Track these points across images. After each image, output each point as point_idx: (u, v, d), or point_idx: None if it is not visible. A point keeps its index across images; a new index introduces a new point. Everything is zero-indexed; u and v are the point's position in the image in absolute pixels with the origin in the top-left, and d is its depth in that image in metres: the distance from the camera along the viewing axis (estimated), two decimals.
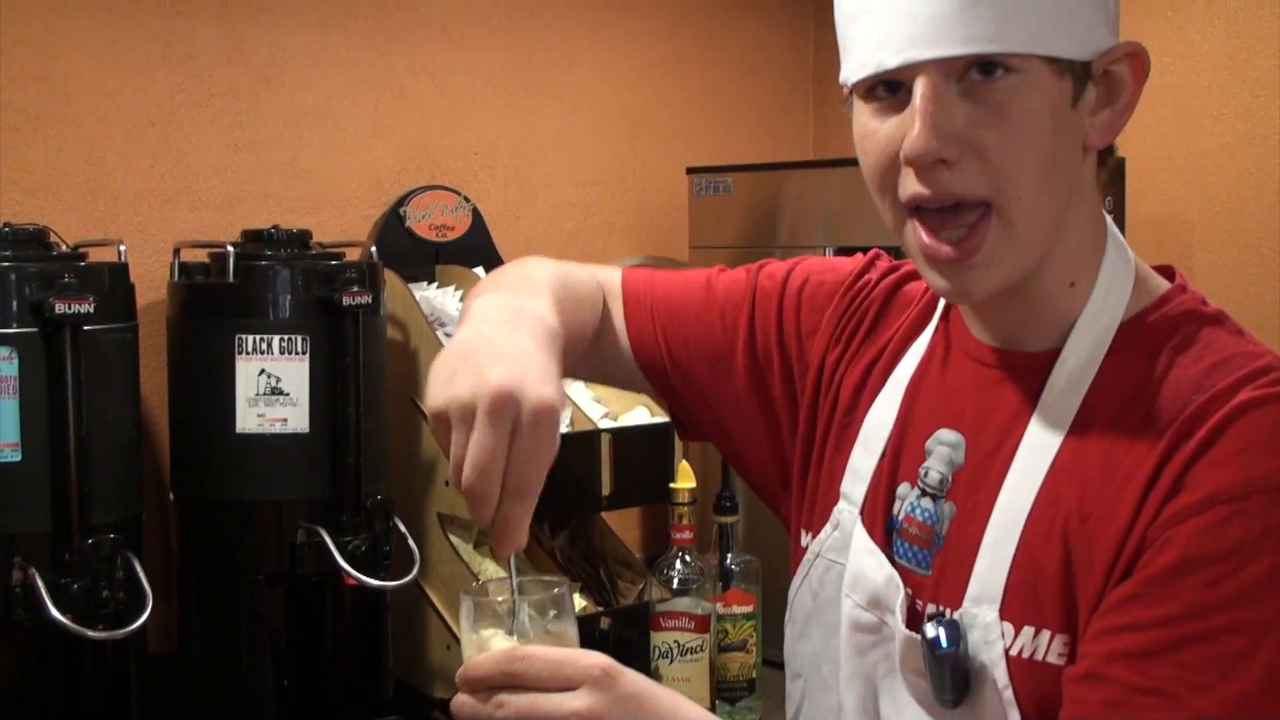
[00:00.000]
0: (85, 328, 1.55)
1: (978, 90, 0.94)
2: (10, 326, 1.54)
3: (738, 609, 2.04)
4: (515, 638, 0.96)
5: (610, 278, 1.31)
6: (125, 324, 1.66)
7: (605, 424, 2.06)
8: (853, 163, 2.37)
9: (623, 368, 1.30)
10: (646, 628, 1.93)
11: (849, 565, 1.11)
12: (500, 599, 0.99)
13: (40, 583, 1.52)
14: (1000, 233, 0.97)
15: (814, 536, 1.16)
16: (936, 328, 1.14)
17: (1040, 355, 1.04)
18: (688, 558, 1.97)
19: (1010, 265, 0.99)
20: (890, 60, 0.95)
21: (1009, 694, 0.97)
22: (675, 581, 1.96)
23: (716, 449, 1.33)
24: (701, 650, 1.95)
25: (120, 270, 1.66)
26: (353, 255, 1.90)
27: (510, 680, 0.92)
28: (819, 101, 2.92)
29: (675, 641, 1.93)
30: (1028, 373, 1.04)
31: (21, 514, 1.55)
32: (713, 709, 1.98)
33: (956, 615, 1.01)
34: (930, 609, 1.04)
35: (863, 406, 1.15)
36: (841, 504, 1.14)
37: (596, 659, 0.92)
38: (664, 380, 1.28)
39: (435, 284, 2.16)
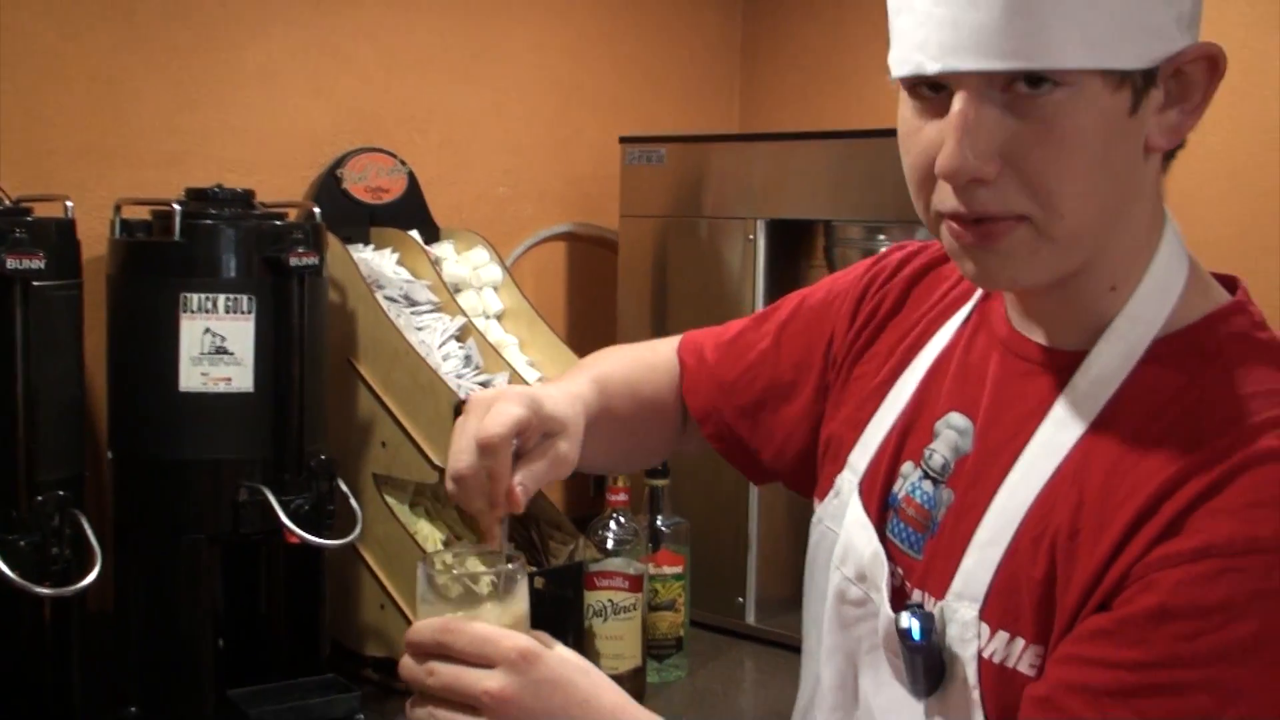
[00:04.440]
0: (34, 284, 1.54)
1: (1022, 104, 0.88)
2: None
3: (667, 569, 2.09)
4: (461, 608, 1.00)
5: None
6: (71, 280, 1.65)
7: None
8: (779, 136, 2.45)
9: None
10: (581, 587, 1.98)
11: (841, 536, 1.11)
12: (455, 570, 1.03)
13: None
14: (1031, 236, 0.92)
15: (820, 502, 1.17)
16: (973, 309, 1.10)
17: (1069, 354, 0.99)
18: (622, 519, 2.02)
19: (1042, 264, 0.94)
20: (929, 66, 0.90)
21: (976, 695, 0.96)
22: (610, 541, 2.00)
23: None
24: (635, 609, 2.00)
25: (67, 226, 1.65)
26: (293, 216, 1.91)
27: (441, 650, 0.95)
28: (746, 76, 2.96)
29: (609, 600, 1.98)
30: (1053, 370, 1.00)
31: None
32: (643, 666, 2.03)
33: (937, 607, 0.99)
34: (916, 594, 1.03)
35: (887, 383, 1.14)
36: (846, 472, 1.13)
37: (518, 641, 0.94)
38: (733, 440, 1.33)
39: (371, 246, 2.17)
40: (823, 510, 1.16)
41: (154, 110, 2.02)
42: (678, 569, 2.10)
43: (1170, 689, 0.85)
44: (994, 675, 0.95)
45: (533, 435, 1.08)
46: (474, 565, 1.05)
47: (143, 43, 1.99)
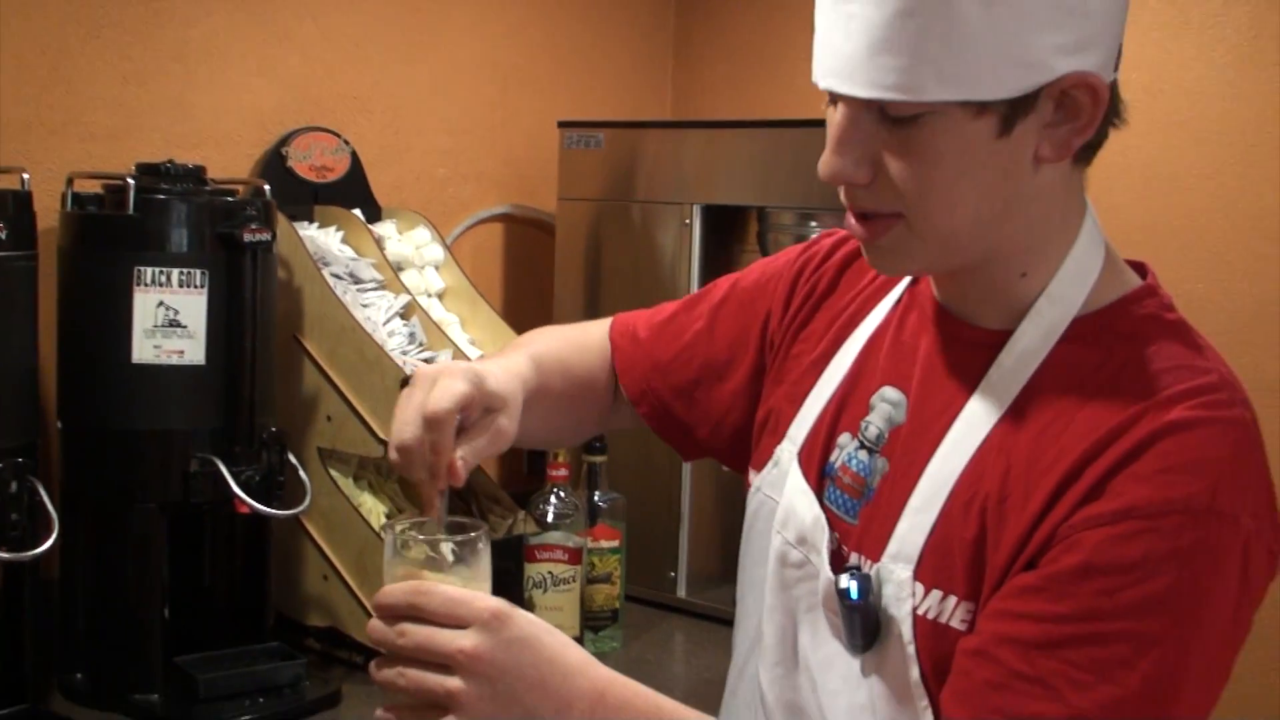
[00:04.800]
0: None
1: (891, 122, 0.97)
2: None
3: (604, 543, 2.15)
4: (428, 573, 1.04)
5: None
6: (28, 252, 1.67)
7: None
8: (712, 124, 2.53)
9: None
10: (521, 559, 2.03)
11: (782, 502, 1.17)
12: (421, 535, 1.07)
13: None
14: (906, 234, 1.01)
15: (757, 473, 1.23)
16: (904, 291, 1.17)
17: (993, 333, 1.06)
18: (562, 494, 2.08)
19: (921, 259, 1.04)
20: (819, 80, 1.00)
21: (911, 649, 1.02)
22: (551, 515, 2.06)
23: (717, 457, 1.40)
24: (573, 581, 2.06)
25: (25, 198, 1.67)
26: (242, 193, 1.94)
27: (413, 611, 0.98)
28: (678, 64, 3.03)
29: (549, 572, 2.04)
30: (979, 348, 1.06)
31: None
32: (580, 638, 2.09)
33: (874, 569, 1.05)
34: (853, 557, 1.09)
35: (823, 360, 1.20)
36: (784, 444, 1.20)
37: (490, 603, 0.98)
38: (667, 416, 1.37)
39: (316, 224, 2.20)
40: (761, 480, 1.22)
41: (103, 85, 2.03)
42: (614, 543, 2.17)
43: (1092, 639, 0.93)
44: (928, 631, 1.02)
45: (475, 410, 1.13)
46: (437, 533, 1.09)
47: (91, 17, 2.01)
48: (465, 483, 1.13)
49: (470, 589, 1.02)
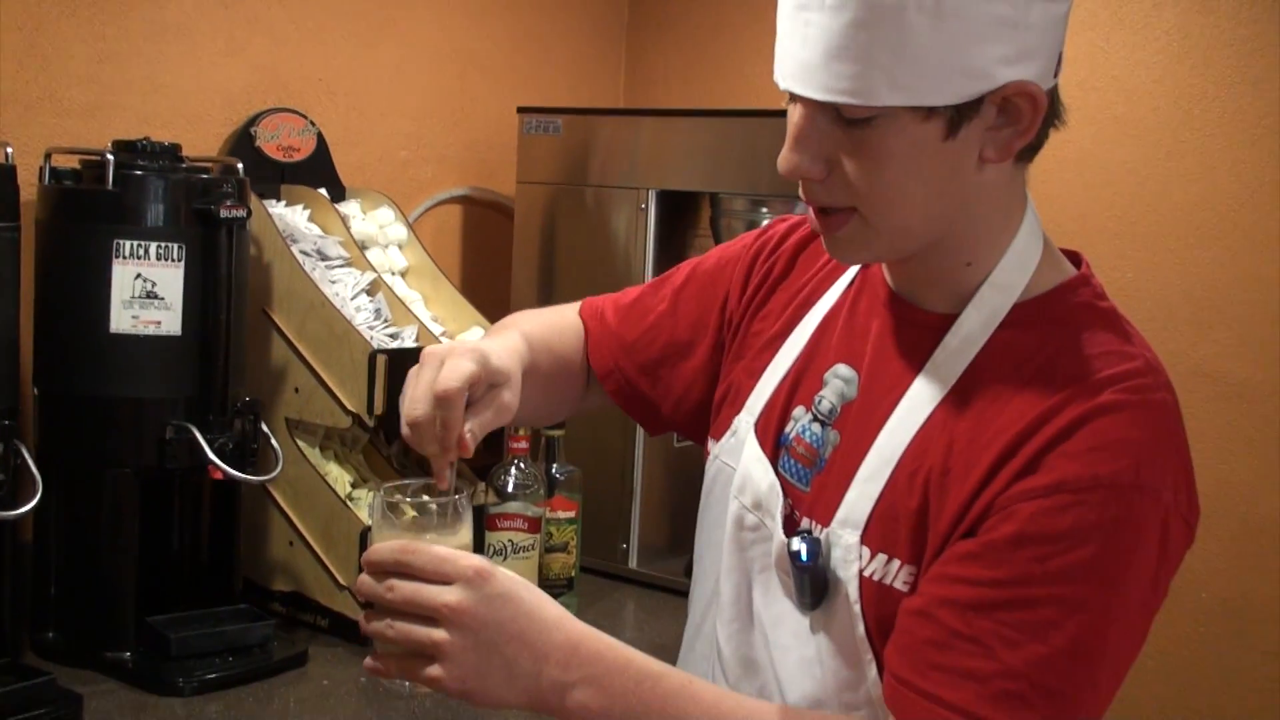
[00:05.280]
0: None
1: (845, 123, 1.04)
2: None
3: (561, 514, 2.24)
4: (414, 533, 1.11)
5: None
6: (11, 223, 1.73)
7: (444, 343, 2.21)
8: (663, 112, 2.63)
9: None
10: (483, 527, 2.11)
11: (739, 469, 1.24)
12: (408, 499, 1.15)
13: None
14: (861, 226, 1.08)
15: (716, 442, 1.31)
16: (857, 274, 1.25)
17: (940, 316, 1.14)
18: (522, 465, 2.16)
19: (876, 249, 1.11)
20: (780, 80, 1.07)
21: (857, 608, 1.10)
22: (511, 485, 2.14)
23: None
24: (533, 549, 2.14)
25: (9, 171, 1.72)
26: (214, 171, 2.00)
27: (401, 569, 1.06)
28: (631, 53, 3.11)
29: (510, 540, 2.11)
30: (927, 330, 1.14)
31: None
32: None
33: (824, 534, 1.13)
34: (805, 522, 1.17)
35: (780, 337, 1.28)
36: (742, 414, 1.27)
37: (473, 561, 1.06)
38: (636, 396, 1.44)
39: (284, 202, 2.27)
40: (719, 448, 1.30)
41: (78, 62, 2.08)
42: (571, 514, 2.25)
43: (1024, 603, 1.00)
44: (873, 591, 1.10)
45: (480, 387, 1.18)
46: (424, 497, 1.16)
47: None
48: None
49: (454, 548, 1.09)
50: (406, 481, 1.18)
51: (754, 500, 1.22)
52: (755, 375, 1.29)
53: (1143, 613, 1.05)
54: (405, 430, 1.16)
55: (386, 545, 1.08)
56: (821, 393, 1.20)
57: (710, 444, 1.34)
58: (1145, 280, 2.44)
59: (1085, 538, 1.00)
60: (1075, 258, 1.18)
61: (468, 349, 1.18)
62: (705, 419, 1.38)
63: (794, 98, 1.07)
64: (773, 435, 1.24)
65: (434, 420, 1.14)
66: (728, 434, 1.29)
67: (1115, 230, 2.46)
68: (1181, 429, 1.08)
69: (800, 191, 1.10)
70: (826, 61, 1.01)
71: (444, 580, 1.05)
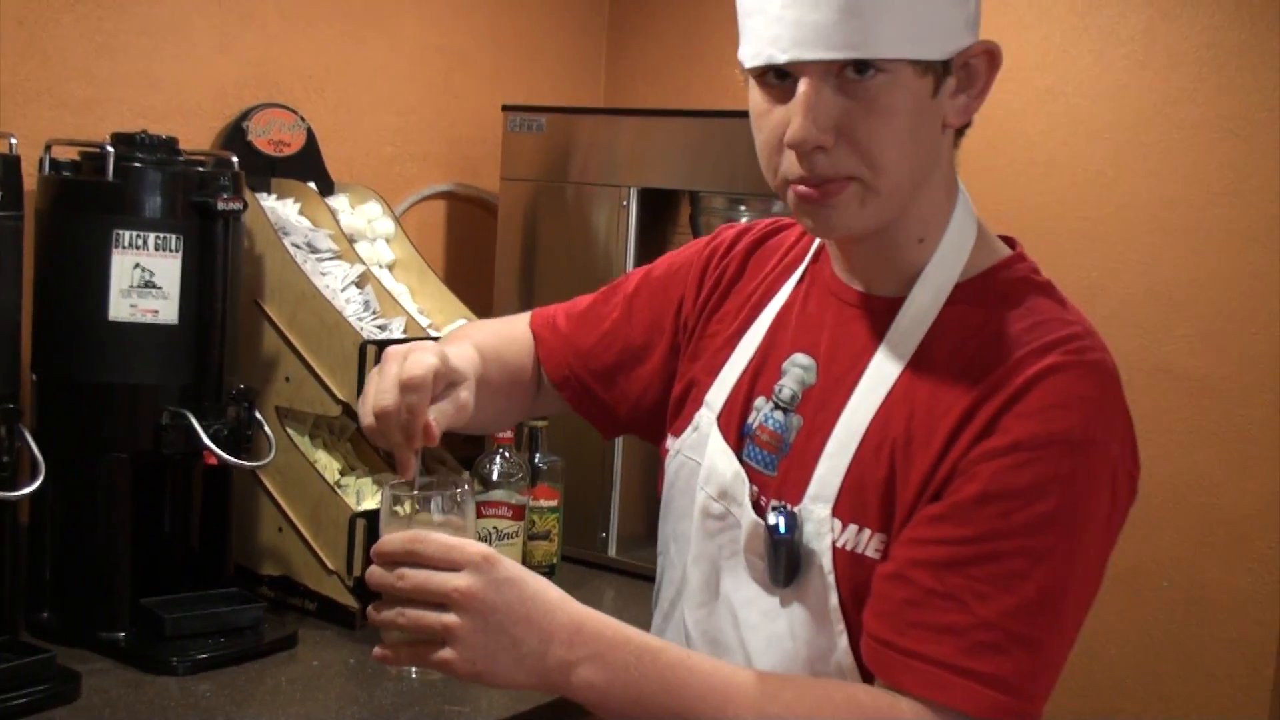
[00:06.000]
0: None
1: (851, 87, 1.10)
2: None
3: (544, 503, 2.29)
4: (421, 524, 1.17)
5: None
6: (16, 213, 1.77)
7: (433, 335, 2.27)
8: (644, 112, 2.69)
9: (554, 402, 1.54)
10: None
11: (704, 462, 1.30)
12: (414, 492, 1.20)
13: None
14: (860, 191, 1.13)
15: (676, 438, 1.37)
16: (806, 268, 1.32)
17: (890, 300, 1.21)
18: (507, 454, 2.21)
19: (868, 215, 1.15)
20: (780, 57, 1.10)
21: (831, 579, 1.16)
22: (496, 474, 2.20)
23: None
24: (517, 536, 2.20)
25: (14, 162, 1.77)
26: (208, 164, 2.04)
27: (410, 558, 1.11)
28: (611, 53, 3.17)
29: (495, 527, 2.17)
30: (878, 313, 1.21)
31: None
32: None
33: (796, 509, 1.19)
34: (774, 504, 1.22)
35: (737, 335, 1.35)
36: (703, 410, 1.34)
37: (480, 548, 1.11)
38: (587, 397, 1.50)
39: (275, 195, 2.31)
40: (680, 444, 1.36)
41: (76, 56, 2.12)
42: (553, 503, 2.31)
43: (992, 557, 1.07)
44: (846, 561, 1.16)
45: (440, 383, 1.24)
46: (427, 491, 1.21)
47: None
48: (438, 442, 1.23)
49: (459, 537, 1.14)
50: (409, 480, 1.23)
51: (719, 490, 1.28)
52: (714, 372, 1.35)
53: (1099, 559, 1.13)
54: (369, 421, 1.21)
55: (396, 536, 1.13)
56: (781, 381, 1.27)
57: (669, 441, 1.39)
58: (1111, 279, 2.51)
59: (1044, 491, 1.07)
60: (1010, 241, 1.25)
61: (429, 346, 1.24)
62: (660, 420, 1.44)
63: (780, 74, 1.12)
64: (736, 427, 1.30)
65: (400, 409, 1.18)
66: (689, 429, 1.35)
67: (1083, 231, 2.54)
68: (1120, 386, 1.14)
69: (798, 169, 1.13)
70: (842, 20, 1.07)
71: (452, 567, 1.10)
